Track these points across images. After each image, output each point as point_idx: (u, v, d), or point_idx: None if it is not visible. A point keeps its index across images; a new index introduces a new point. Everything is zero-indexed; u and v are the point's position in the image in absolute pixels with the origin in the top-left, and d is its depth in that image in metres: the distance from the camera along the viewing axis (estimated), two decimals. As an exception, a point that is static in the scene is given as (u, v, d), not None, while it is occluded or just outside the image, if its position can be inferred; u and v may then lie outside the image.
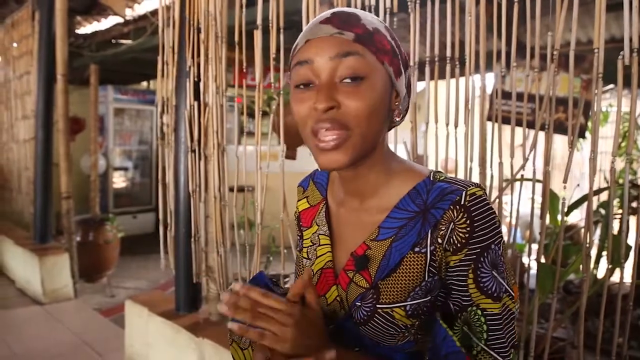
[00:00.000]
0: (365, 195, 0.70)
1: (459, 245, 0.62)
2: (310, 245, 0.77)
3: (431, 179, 0.68)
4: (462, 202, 0.62)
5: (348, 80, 0.61)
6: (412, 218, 0.66)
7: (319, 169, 0.74)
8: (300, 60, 0.64)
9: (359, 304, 0.67)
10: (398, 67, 0.66)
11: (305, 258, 0.78)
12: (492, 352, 0.62)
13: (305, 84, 0.64)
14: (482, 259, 0.62)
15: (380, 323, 0.65)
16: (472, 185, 0.64)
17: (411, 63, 1.40)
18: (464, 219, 0.62)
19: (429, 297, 0.65)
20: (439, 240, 0.64)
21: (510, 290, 0.64)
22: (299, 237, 0.83)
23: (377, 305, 0.65)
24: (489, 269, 0.62)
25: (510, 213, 1.34)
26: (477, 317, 0.63)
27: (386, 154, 0.70)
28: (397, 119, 0.69)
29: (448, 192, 0.64)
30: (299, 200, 0.84)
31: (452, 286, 0.65)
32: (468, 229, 0.62)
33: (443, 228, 0.63)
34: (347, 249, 0.71)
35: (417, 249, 0.65)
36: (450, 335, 0.61)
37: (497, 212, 0.66)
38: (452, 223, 0.62)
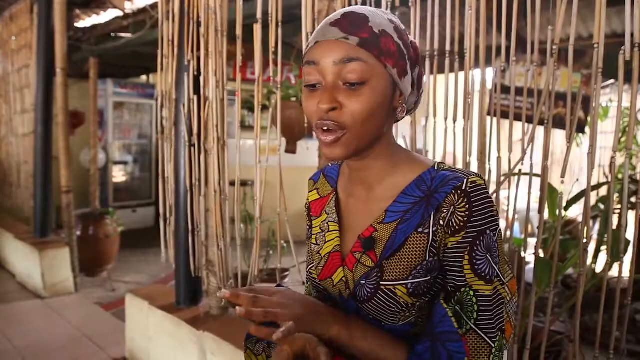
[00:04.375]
0: (372, 184, 0.76)
1: (457, 227, 0.66)
2: (319, 232, 0.82)
3: (435, 168, 0.73)
4: (464, 188, 0.67)
5: (349, 84, 0.67)
6: (417, 202, 0.71)
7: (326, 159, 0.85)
8: (309, 61, 0.70)
9: (364, 282, 0.71)
10: (403, 68, 0.70)
11: (313, 244, 0.83)
12: (479, 332, 0.65)
13: (313, 84, 0.69)
14: (477, 242, 0.66)
15: (382, 300, 0.69)
16: (474, 175, 0.68)
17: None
18: (464, 203, 0.66)
19: (429, 277, 0.69)
20: (441, 222, 0.68)
21: (502, 276, 0.68)
22: (308, 227, 0.87)
23: (381, 283, 0.69)
24: (483, 252, 0.67)
25: (508, 207, 1.34)
26: (469, 297, 0.66)
27: (392, 147, 0.75)
28: (402, 115, 0.74)
29: (451, 179, 0.68)
30: (309, 192, 0.89)
31: (448, 267, 0.68)
32: (467, 212, 0.66)
33: (445, 210, 0.67)
34: (355, 234, 0.76)
35: (420, 230, 0.69)
36: (450, 317, 0.65)
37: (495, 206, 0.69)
38: (452, 206, 0.67)
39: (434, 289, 0.70)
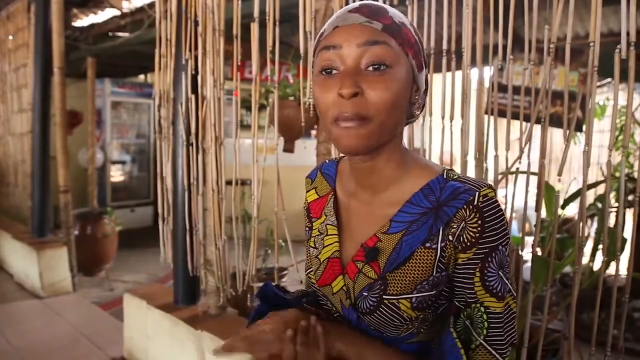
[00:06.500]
0: (378, 188, 0.71)
1: (468, 243, 0.64)
2: (318, 235, 0.78)
3: (444, 176, 0.69)
4: (475, 203, 0.63)
5: (373, 68, 0.62)
6: (424, 214, 0.67)
7: (333, 158, 0.82)
8: (328, 45, 0.65)
9: (366, 294, 0.68)
10: (420, 62, 0.68)
11: (312, 247, 0.79)
12: (489, 348, 0.64)
13: (329, 70, 0.64)
14: (489, 259, 0.64)
15: (385, 313, 0.67)
16: (485, 186, 0.65)
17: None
18: (476, 219, 0.63)
19: (435, 292, 0.66)
20: (450, 238, 0.65)
21: (513, 291, 0.66)
22: (308, 228, 0.83)
23: (384, 296, 0.66)
24: (495, 269, 0.64)
25: (506, 206, 1.34)
26: (479, 313, 0.64)
27: (402, 149, 0.71)
28: (417, 112, 0.70)
29: (462, 192, 0.65)
30: (307, 192, 0.84)
31: (458, 283, 0.66)
32: (479, 228, 0.63)
33: (455, 226, 0.64)
34: (355, 240, 0.72)
35: (427, 245, 0.66)
36: (459, 348, 0.63)
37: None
38: (463, 222, 0.64)
39: (439, 302, 0.67)
